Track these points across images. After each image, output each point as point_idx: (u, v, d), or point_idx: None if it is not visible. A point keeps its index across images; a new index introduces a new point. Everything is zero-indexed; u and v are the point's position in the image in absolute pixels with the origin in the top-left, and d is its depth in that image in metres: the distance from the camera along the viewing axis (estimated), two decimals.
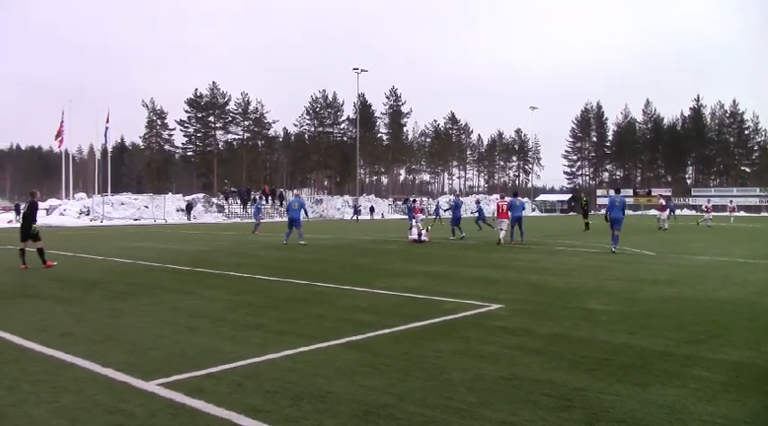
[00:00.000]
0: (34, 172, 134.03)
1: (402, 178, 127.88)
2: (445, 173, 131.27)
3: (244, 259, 15.57)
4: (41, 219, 46.34)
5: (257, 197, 42.83)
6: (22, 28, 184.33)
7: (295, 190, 39.47)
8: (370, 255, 16.60)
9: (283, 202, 61.96)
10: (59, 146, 57.65)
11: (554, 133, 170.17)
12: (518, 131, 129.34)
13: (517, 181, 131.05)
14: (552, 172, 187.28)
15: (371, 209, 64.32)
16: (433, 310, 7.94)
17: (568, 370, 5.12)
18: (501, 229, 20.61)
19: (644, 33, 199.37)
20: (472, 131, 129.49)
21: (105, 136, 58.22)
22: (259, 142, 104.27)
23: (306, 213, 23.89)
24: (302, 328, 6.85)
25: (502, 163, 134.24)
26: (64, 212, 49.30)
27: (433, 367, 5.25)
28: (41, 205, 56.16)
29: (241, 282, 10.96)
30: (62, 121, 53.63)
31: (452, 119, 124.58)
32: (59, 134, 53.81)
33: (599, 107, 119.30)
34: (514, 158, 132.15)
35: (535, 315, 7.61)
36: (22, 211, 13.44)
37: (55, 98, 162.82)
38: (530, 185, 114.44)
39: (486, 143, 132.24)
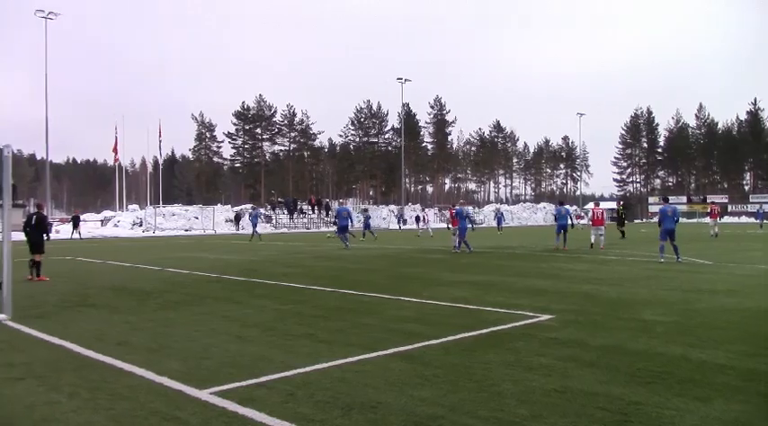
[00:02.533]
0: (89, 184, 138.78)
1: (447, 187, 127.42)
2: (491, 182, 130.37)
3: (291, 268, 15.73)
4: (97, 230, 47.87)
5: (251, 208, 43.79)
6: (77, 45, 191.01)
7: (341, 200, 39.90)
8: (416, 265, 16.56)
9: (329, 212, 62.67)
10: (115, 161, 59.50)
11: (603, 139, 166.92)
12: (565, 138, 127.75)
13: (565, 189, 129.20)
14: (601, 179, 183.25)
15: (417, 219, 64.21)
16: (482, 320, 7.86)
17: (624, 383, 4.99)
18: (600, 235, 21.92)
19: (692, 35, 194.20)
20: (518, 139, 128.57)
21: (159, 149, 59.96)
22: (305, 153, 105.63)
23: (352, 221, 26.27)
24: (351, 338, 6.87)
25: (549, 170, 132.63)
26: (118, 223, 50.85)
27: (483, 378, 5.18)
28: (96, 216, 58.03)
29: (289, 292, 11.07)
30: (116, 136, 55.40)
31: (498, 127, 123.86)
32: (115, 149, 55.61)
33: (649, 112, 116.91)
34: (562, 166, 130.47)
35: (587, 327, 7.45)
36: (32, 223, 13.36)
37: (108, 113, 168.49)
38: (578, 193, 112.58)
39: (532, 150, 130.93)
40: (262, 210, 41.60)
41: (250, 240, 32.78)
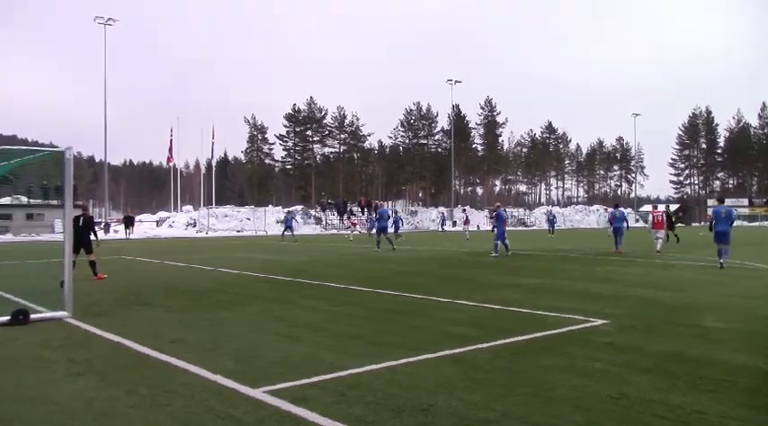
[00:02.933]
0: (145, 186, 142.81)
1: (498, 189, 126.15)
2: (542, 184, 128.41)
3: (341, 270, 15.82)
4: (153, 231, 49.18)
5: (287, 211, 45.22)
6: (134, 48, 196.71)
7: (379, 201, 40.02)
8: (467, 267, 16.43)
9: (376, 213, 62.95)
10: (169, 162, 61.12)
11: (659, 140, 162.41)
12: (619, 139, 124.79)
13: (619, 191, 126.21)
14: (657, 181, 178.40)
15: (466, 221, 63.75)
16: (534, 324, 7.73)
17: (684, 391, 4.82)
18: (659, 238, 21.49)
19: (750, 32, 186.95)
20: (570, 140, 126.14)
21: (212, 151, 61.36)
22: (355, 154, 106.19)
23: (396, 223, 27.47)
24: (401, 340, 6.85)
25: (602, 172, 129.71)
26: (172, 224, 52.16)
27: (537, 383, 5.08)
28: (152, 217, 59.68)
29: (339, 293, 11.13)
30: (171, 139, 56.88)
31: (549, 128, 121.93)
32: (171, 151, 57.13)
33: (708, 112, 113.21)
34: (616, 167, 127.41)
35: (645, 332, 7.24)
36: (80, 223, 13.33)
37: (163, 115, 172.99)
38: (632, 195, 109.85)
39: (585, 152, 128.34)
40: (299, 213, 42.57)
41: (281, 240, 34.28)
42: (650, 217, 23.03)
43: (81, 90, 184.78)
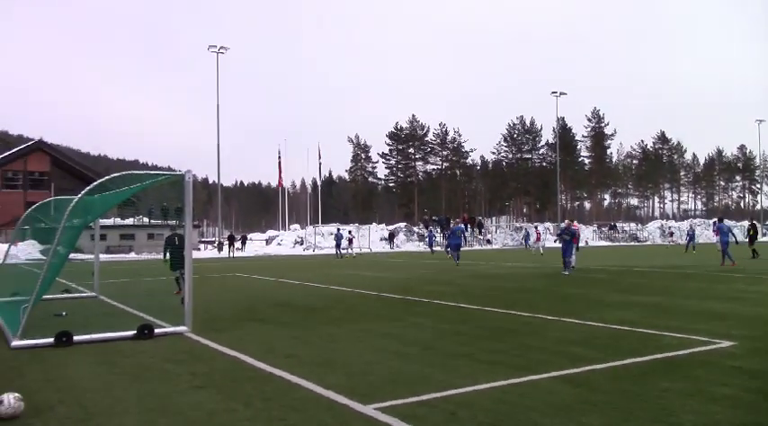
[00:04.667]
0: (255, 206, 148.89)
1: (607, 203, 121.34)
2: (655, 197, 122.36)
3: (448, 287, 15.73)
4: (263, 249, 51.10)
5: (337, 228, 43.28)
6: (242, 73, 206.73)
7: (457, 219, 39.06)
8: (577, 285, 15.86)
9: (482, 230, 62.25)
10: (279, 184, 63.51)
11: None
12: (741, 147, 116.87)
13: (742, 204, 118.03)
14: None
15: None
16: (654, 345, 7.32)
17: None
18: None
19: None
20: (685, 150, 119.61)
21: (319, 170, 63.20)
22: (457, 171, 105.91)
23: (466, 240, 26.73)
24: (512, 359, 6.70)
25: (722, 183, 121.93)
26: (281, 242, 54.03)
27: (659, 407, 4.80)
28: (261, 236, 62.09)
29: (446, 310, 11.06)
30: (279, 161, 59.12)
31: (662, 138, 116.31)
32: (280, 172, 59.39)
33: None
34: (738, 178, 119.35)
35: None
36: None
37: (270, 137, 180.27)
38: (758, 207, 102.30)
39: (702, 162, 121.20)
40: (347, 232, 42.41)
41: (338, 258, 34.85)
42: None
43: (197, 116, 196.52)
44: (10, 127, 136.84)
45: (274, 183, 72.37)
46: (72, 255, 30.03)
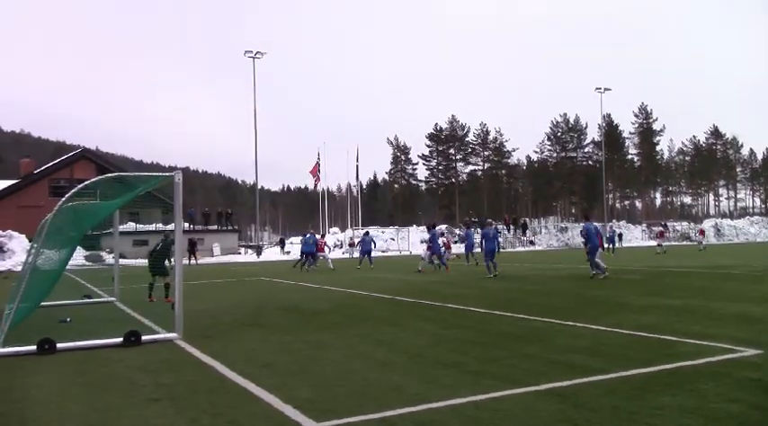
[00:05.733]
0: (301, 209, 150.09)
1: (659, 201, 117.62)
2: (710, 194, 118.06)
3: (467, 290, 15.13)
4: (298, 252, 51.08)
5: (362, 232, 32.97)
6: (285, 76, 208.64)
7: (489, 220, 35.76)
8: (605, 287, 15.04)
9: (527, 231, 60.94)
10: (316, 184, 63.55)
11: None
12: None
13: None
14: None
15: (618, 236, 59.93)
16: (666, 353, 6.64)
17: None
18: None
19: None
20: (741, 145, 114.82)
21: (356, 173, 63.00)
22: (500, 171, 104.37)
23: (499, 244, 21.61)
24: (503, 369, 6.13)
25: None
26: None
27: None
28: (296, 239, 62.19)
29: (455, 315, 10.52)
30: (317, 162, 59.08)
31: (715, 132, 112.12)
32: (315, 173, 59.32)
33: None
34: None
35: None
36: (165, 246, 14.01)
37: (316, 140, 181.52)
38: None
39: (760, 157, 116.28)
40: (375, 233, 37.56)
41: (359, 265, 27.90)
42: None
43: (247, 121, 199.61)
44: (67, 137, 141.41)
45: (312, 186, 72.52)
46: (110, 260, 30.16)
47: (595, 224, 19.39)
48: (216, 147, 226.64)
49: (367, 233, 32.30)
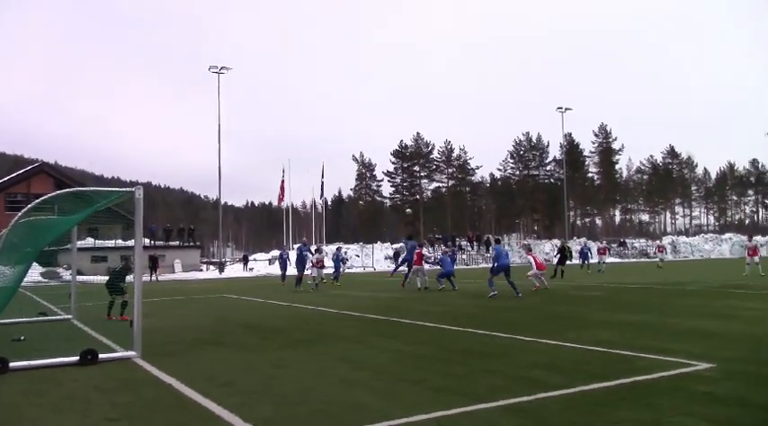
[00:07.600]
0: (264, 226, 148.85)
1: (618, 219, 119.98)
2: (667, 212, 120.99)
3: (434, 306, 15.17)
4: (265, 269, 50.62)
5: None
6: (249, 93, 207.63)
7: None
8: (569, 303, 15.27)
9: (490, 248, 61.52)
10: (280, 202, 63.24)
11: None
12: (753, 162, 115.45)
13: (756, 218, 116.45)
14: None
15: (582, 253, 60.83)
16: (624, 368, 6.76)
17: None
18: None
19: None
20: (696, 165, 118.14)
21: (321, 189, 62.88)
22: (464, 188, 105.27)
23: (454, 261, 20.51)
24: (466, 385, 6.17)
25: (735, 198, 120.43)
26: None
27: None
28: (265, 256, 61.63)
29: (420, 331, 10.54)
30: (282, 179, 58.86)
31: (671, 152, 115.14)
32: (282, 191, 59.08)
33: None
34: (751, 192, 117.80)
35: (755, 380, 6.11)
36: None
37: (282, 157, 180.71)
38: None
39: (714, 177, 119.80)
40: (345, 249, 35.53)
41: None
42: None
43: (212, 137, 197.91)
44: (24, 150, 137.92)
45: (276, 203, 72.11)
46: (67, 277, 29.29)
47: (506, 248, 19.64)
48: (179, 162, 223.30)
49: (339, 248, 32.31)
